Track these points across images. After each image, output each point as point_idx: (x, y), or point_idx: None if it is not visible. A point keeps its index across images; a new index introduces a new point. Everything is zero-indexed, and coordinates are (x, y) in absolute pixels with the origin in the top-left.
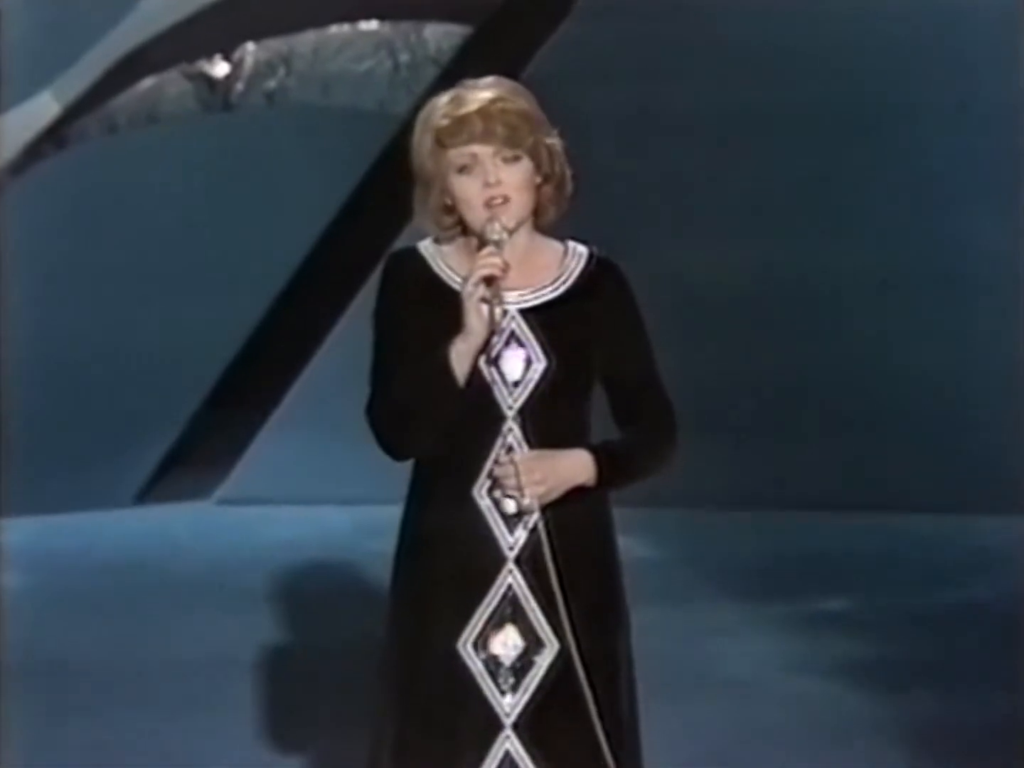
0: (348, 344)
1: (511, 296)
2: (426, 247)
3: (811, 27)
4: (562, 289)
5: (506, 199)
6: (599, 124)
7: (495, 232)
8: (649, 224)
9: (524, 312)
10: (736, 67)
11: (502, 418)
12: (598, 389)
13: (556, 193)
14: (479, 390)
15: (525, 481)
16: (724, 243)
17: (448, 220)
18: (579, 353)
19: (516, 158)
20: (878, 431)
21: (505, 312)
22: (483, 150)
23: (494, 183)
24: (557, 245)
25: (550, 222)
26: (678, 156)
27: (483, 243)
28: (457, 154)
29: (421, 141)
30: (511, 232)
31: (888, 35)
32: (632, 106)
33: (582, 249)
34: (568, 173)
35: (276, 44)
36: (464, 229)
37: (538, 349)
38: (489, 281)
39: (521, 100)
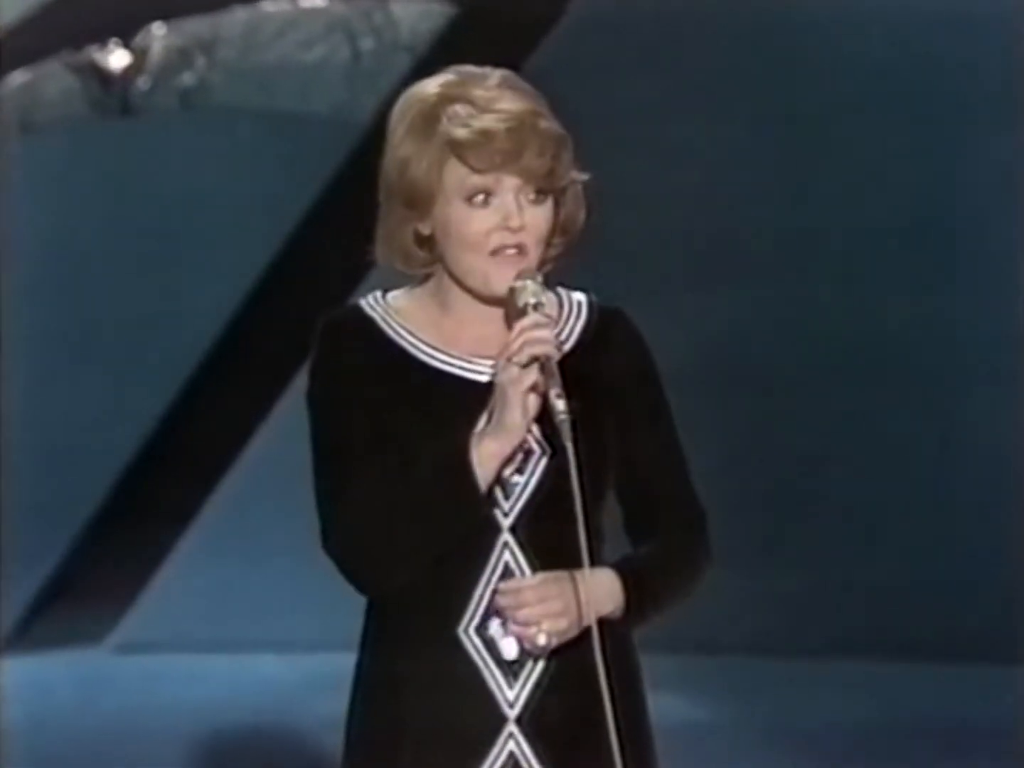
0: (285, 438)
1: (485, 364)
2: (372, 304)
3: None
4: (565, 347)
5: (522, 250)
6: (612, 127)
7: (530, 293)
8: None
9: None
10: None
11: (496, 530)
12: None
13: (566, 243)
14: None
15: (540, 612)
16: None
17: (421, 255)
18: (590, 437)
19: (543, 199)
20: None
21: (569, 410)
22: (510, 181)
23: (516, 228)
24: (548, 295)
25: (551, 262)
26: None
27: (474, 294)
28: (474, 177)
29: (417, 149)
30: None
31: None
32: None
33: (579, 297)
34: (582, 216)
35: (193, 26)
36: (428, 274)
37: (536, 432)
38: (540, 362)
39: (547, 110)
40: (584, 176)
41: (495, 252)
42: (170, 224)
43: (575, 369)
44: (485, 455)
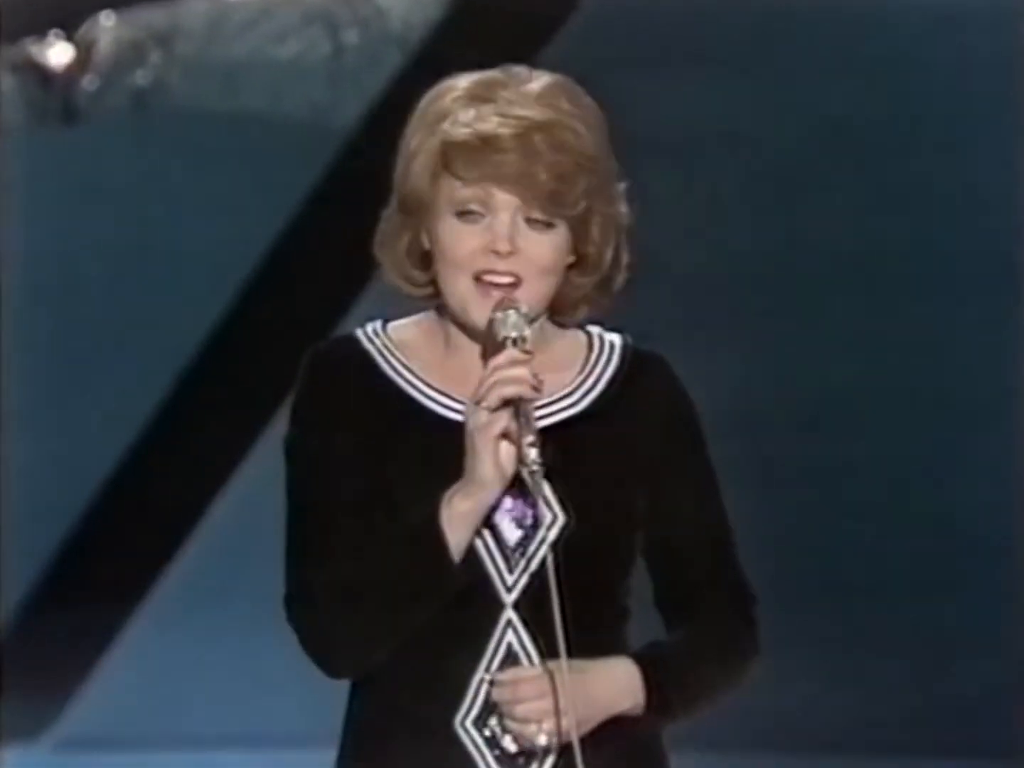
0: (255, 493)
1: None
2: (371, 335)
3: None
4: (587, 400)
5: (516, 282)
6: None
7: (510, 326)
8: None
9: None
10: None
11: (498, 607)
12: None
13: (596, 286)
14: (463, 564)
15: (541, 708)
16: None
17: (420, 276)
18: (615, 501)
19: (550, 225)
20: None
21: (542, 461)
22: (505, 198)
23: (504, 252)
24: (576, 333)
25: (576, 322)
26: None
27: (467, 329)
28: (465, 188)
29: (419, 149)
30: (532, 321)
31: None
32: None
33: (613, 338)
34: (624, 259)
35: (148, 15)
36: (438, 294)
37: (550, 496)
38: (513, 405)
39: (587, 129)
40: (614, 207)
41: (480, 277)
42: (118, 247)
43: (601, 420)
44: (456, 516)
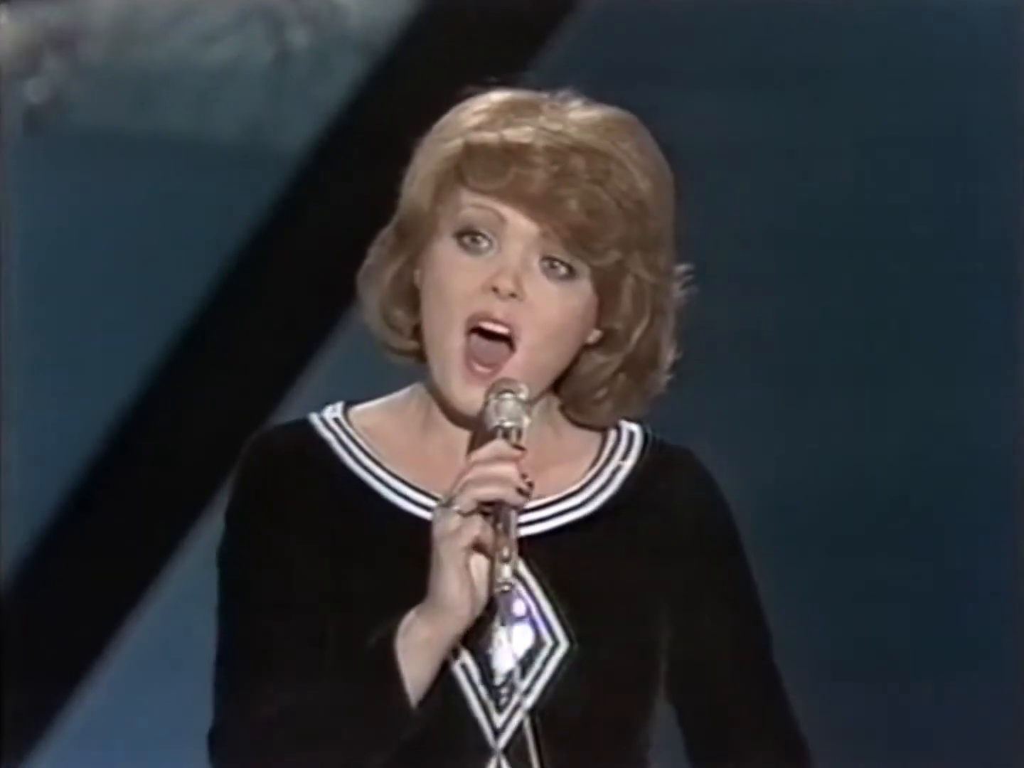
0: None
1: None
2: (330, 420)
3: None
4: (601, 499)
5: (510, 340)
6: None
7: (505, 413)
8: None
9: (530, 542)
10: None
11: (485, 754)
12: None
13: (627, 377)
14: (441, 699)
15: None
16: None
17: (402, 319)
18: (632, 623)
19: (570, 273)
20: None
21: (512, 584)
22: (521, 224)
23: (504, 292)
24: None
25: (598, 423)
26: None
27: (447, 408)
28: (474, 206)
29: (430, 157)
30: (532, 403)
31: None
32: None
33: (633, 429)
34: (667, 353)
35: (45, 13)
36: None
37: (551, 616)
38: (493, 510)
39: (643, 174)
40: (662, 282)
41: (473, 325)
42: (12, 294)
43: (618, 523)
44: (413, 647)
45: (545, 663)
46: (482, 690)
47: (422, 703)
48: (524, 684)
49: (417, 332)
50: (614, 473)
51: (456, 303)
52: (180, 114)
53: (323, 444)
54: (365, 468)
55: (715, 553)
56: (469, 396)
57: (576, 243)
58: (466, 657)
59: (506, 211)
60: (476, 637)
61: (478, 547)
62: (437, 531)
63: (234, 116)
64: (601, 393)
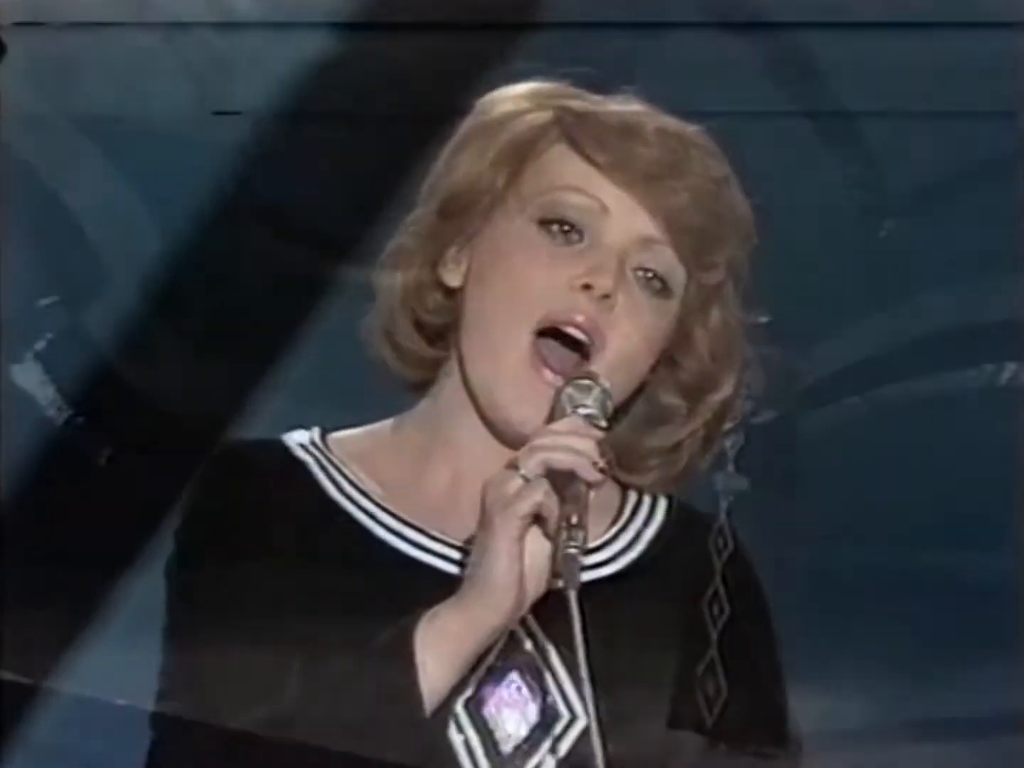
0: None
1: None
2: (307, 444)
3: None
4: (624, 561)
5: (587, 351)
6: None
7: (592, 399)
8: None
9: (537, 602)
10: None
11: None
12: None
13: (707, 421)
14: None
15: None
16: None
17: (429, 320)
18: (654, 700)
19: (664, 290)
20: None
21: (581, 546)
22: (627, 220)
23: (599, 292)
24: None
25: (644, 485)
26: None
27: (496, 426)
28: (566, 183)
29: (497, 124)
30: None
31: None
32: None
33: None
34: (734, 411)
35: None
36: (431, 371)
37: (567, 684)
38: (560, 483)
39: (742, 193)
40: (740, 332)
41: (548, 325)
42: None
43: (642, 586)
44: (439, 636)
45: (559, 739)
46: (484, 762)
47: (436, 715)
48: (534, 760)
49: (434, 341)
50: (639, 534)
51: (532, 297)
52: (105, 95)
53: (301, 466)
54: (348, 496)
55: (741, 624)
56: (524, 409)
57: (689, 246)
58: (468, 730)
59: (611, 198)
60: (484, 701)
61: (538, 519)
62: (491, 496)
63: (169, 96)
64: (649, 457)
